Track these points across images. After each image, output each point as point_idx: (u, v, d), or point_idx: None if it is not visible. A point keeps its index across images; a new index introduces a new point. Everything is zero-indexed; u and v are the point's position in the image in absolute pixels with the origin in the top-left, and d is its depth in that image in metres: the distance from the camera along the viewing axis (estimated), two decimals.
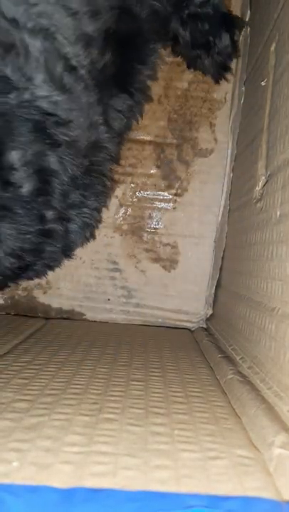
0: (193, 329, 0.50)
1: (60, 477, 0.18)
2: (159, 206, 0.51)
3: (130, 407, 0.26)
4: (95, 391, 0.28)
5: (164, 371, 0.33)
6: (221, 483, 0.18)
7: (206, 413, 0.26)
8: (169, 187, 0.51)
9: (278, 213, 0.29)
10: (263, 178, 0.34)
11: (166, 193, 0.51)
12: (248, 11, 0.49)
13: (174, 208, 0.51)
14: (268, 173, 0.33)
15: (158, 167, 0.51)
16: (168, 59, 0.50)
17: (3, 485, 0.17)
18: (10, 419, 0.23)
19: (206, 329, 0.49)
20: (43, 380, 0.29)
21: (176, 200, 0.51)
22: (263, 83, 0.37)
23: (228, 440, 0.22)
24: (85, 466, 0.19)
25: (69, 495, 0.17)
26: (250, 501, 0.17)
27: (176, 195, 0.51)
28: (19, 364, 0.33)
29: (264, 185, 0.34)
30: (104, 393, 0.28)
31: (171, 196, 0.51)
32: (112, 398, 0.27)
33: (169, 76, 0.51)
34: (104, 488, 0.17)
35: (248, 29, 0.48)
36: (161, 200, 0.51)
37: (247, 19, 0.49)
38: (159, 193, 0.51)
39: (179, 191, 0.51)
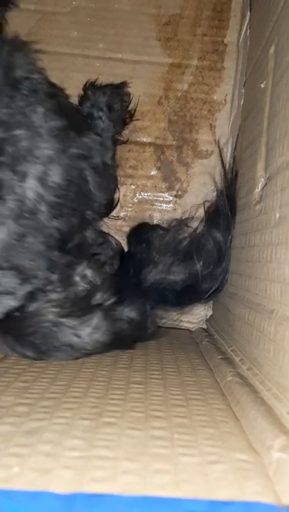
0: (193, 330, 0.51)
1: (61, 483, 0.18)
2: (160, 207, 0.51)
3: (130, 410, 0.26)
4: (95, 394, 0.28)
5: (163, 373, 0.33)
6: (221, 487, 0.18)
7: (206, 416, 0.26)
8: (169, 188, 0.51)
9: (277, 215, 0.29)
10: (262, 180, 0.34)
11: (166, 195, 0.51)
12: (248, 13, 0.49)
13: (175, 210, 0.51)
14: (268, 175, 0.33)
15: (158, 169, 0.51)
16: (168, 60, 0.50)
17: (4, 491, 0.17)
18: (10, 424, 0.23)
19: (205, 330, 0.49)
20: (43, 384, 0.29)
21: (176, 201, 0.51)
22: (262, 85, 0.37)
23: (227, 444, 0.22)
24: (85, 471, 0.19)
25: (69, 500, 0.17)
26: (249, 506, 0.17)
27: (176, 196, 0.51)
28: (19, 367, 0.33)
29: (263, 187, 0.34)
30: (104, 396, 0.28)
31: (171, 198, 0.51)
32: (112, 402, 0.27)
33: (169, 78, 0.51)
34: (104, 493, 0.17)
35: (248, 31, 0.48)
36: (161, 202, 0.51)
37: (247, 21, 0.49)
38: (160, 194, 0.51)
39: (180, 193, 0.51)
